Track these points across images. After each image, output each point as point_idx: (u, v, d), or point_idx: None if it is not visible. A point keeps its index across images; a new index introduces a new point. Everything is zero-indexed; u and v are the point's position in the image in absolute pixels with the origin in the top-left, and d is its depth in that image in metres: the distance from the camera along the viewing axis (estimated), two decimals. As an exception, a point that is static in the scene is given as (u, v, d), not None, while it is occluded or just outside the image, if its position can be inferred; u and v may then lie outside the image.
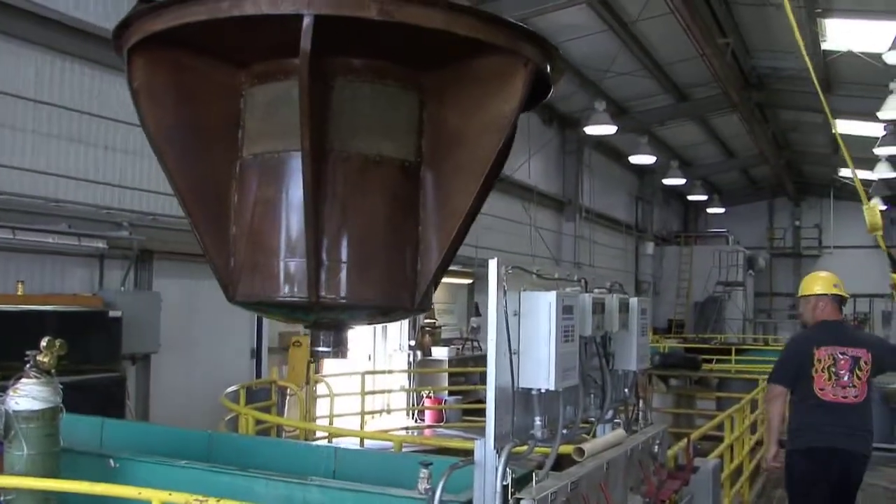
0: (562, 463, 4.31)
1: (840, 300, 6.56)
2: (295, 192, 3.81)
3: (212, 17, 3.61)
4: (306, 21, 3.44)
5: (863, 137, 25.60)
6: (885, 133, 23.16)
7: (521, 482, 4.13)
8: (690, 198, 36.20)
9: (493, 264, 3.59)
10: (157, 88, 3.95)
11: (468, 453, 3.74)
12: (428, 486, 3.84)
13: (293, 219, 3.99)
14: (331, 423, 12.60)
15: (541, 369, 3.70)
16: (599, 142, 25.75)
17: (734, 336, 30.97)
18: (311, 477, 4.76)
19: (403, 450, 7.41)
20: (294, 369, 14.28)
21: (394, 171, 3.90)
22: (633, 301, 4.91)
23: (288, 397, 13.28)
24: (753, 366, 15.53)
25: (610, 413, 5.01)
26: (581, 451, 4.22)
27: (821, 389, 6.14)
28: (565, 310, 3.78)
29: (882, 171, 27.11)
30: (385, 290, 4.09)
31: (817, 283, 6.61)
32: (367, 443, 10.17)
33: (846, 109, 23.71)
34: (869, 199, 27.15)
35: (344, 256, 3.97)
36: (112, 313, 10.44)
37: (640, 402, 5.38)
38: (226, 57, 4.03)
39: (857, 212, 30.94)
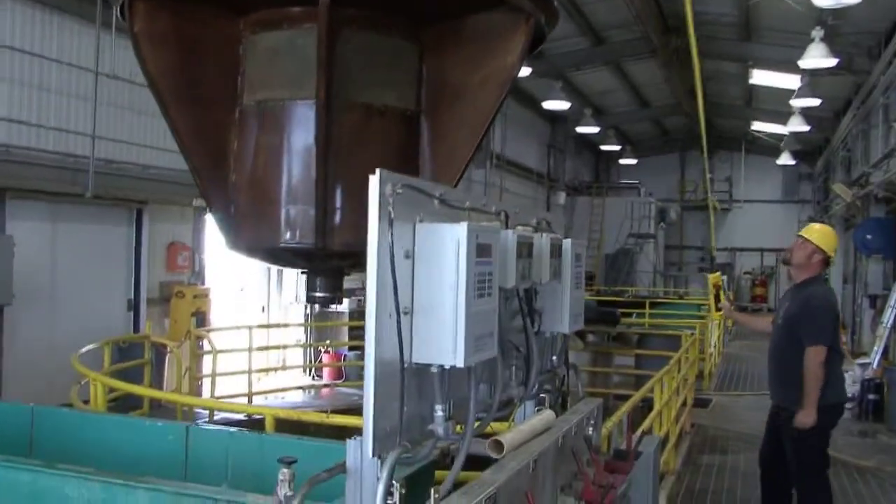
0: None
1: (827, 263, 6.47)
2: (298, 139, 3.75)
3: None
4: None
5: (779, 89, 25.11)
6: (801, 84, 22.57)
7: (417, 482, 3.02)
8: (603, 148, 35.49)
9: (373, 181, 2.40)
10: (157, 34, 3.86)
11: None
12: (290, 493, 2.77)
13: (296, 166, 3.97)
14: (213, 383, 11.29)
15: (444, 337, 2.55)
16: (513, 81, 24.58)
17: (645, 289, 30.52)
18: (144, 477, 3.56)
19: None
20: (177, 323, 12.94)
21: (395, 120, 3.88)
22: (567, 243, 3.77)
23: (168, 355, 11.90)
24: (672, 321, 14.74)
25: (535, 389, 3.91)
26: (499, 446, 3.09)
27: (841, 344, 6.36)
28: (481, 250, 2.62)
29: (794, 125, 26.66)
30: None
31: (827, 236, 6.41)
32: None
33: (767, 57, 23.09)
34: (779, 153, 26.62)
35: (347, 204, 3.94)
36: (-54, 258, 8.91)
37: (572, 371, 4.29)
38: (225, 4, 3.92)
39: (769, 166, 30.92)
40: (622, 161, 37.95)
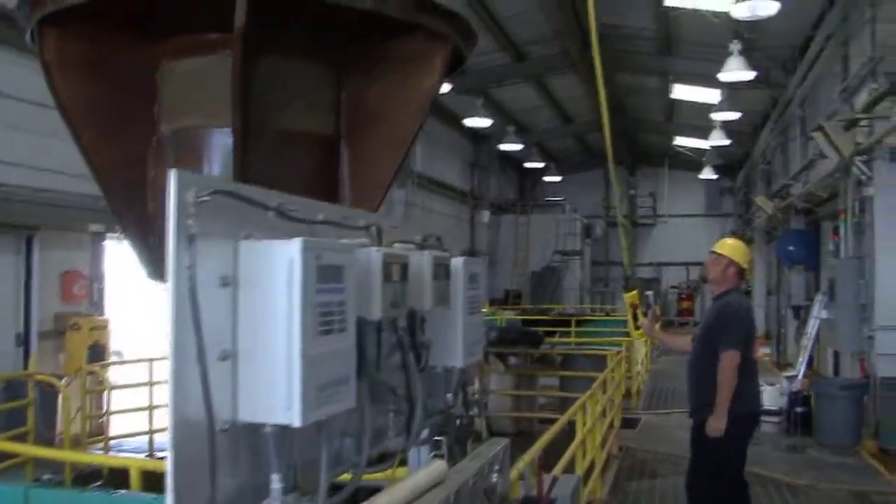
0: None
1: (742, 274, 6.61)
2: (216, 168, 3.55)
3: None
4: (240, -1, 3.09)
5: (700, 104, 25.16)
6: (721, 98, 22.63)
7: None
8: (527, 165, 35.29)
9: (170, 185, 1.82)
10: (70, 61, 3.68)
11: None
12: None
13: (214, 195, 3.48)
14: (107, 422, 10.46)
15: (275, 387, 1.96)
16: (433, 102, 24.12)
17: (572, 306, 30.23)
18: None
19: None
20: (72, 357, 12.04)
21: (314, 146, 3.75)
22: (458, 263, 3.22)
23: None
24: (598, 338, 14.30)
25: (422, 435, 3.34)
26: (369, 512, 2.50)
27: (755, 354, 6.46)
28: (326, 274, 2.05)
29: (715, 139, 26.83)
30: None
31: (738, 249, 6.56)
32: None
33: (687, 72, 23.08)
34: (701, 167, 26.98)
35: (266, 231, 3.54)
36: None
37: (473, 408, 3.73)
38: (142, 29, 3.72)
39: (691, 181, 31.16)
40: (546, 178, 37.80)
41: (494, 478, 3.52)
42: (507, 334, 13.00)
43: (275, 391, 1.95)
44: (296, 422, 1.94)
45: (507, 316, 20.84)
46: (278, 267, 1.96)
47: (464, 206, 30.48)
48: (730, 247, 6.55)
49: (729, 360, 6.04)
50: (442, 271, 2.99)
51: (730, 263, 6.38)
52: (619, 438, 10.94)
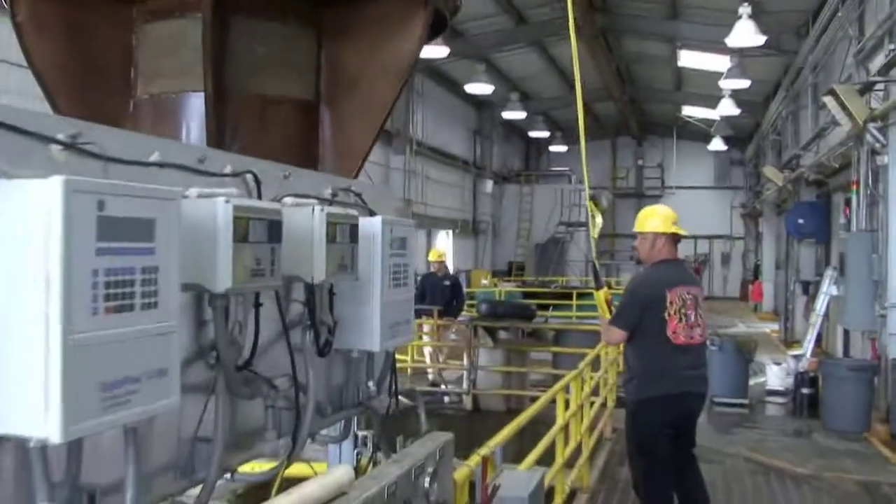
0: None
1: (677, 238, 6.27)
2: (193, 132, 3.42)
3: None
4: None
5: (709, 72, 24.41)
6: (731, 65, 21.86)
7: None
8: (532, 134, 34.57)
9: None
10: (44, 23, 3.58)
11: None
12: None
13: (192, 159, 3.45)
14: None
15: (29, 388, 1.38)
16: (432, 68, 23.44)
17: (576, 279, 29.63)
18: None
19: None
20: None
21: (292, 111, 3.66)
22: (373, 224, 2.64)
23: None
24: (596, 312, 13.68)
25: (336, 428, 2.78)
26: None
27: (673, 332, 5.93)
28: (117, 228, 1.47)
29: (725, 109, 26.07)
30: None
31: (655, 219, 6.22)
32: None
33: (695, 37, 22.32)
34: (710, 138, 26.01)
35: (243, 196, 3.48)
36: None
37: (412, 399, 3.18)
38: None
39: (700, 151, 30.21)
40: (552, 148, 37.08)
41: (427, 482, 2.97)
42: (497, 309, 12.41)
43: (27, 393, 1.38)
44: (55, 436, 1.37)
45: (507, 288, 20.27)
46: (33, 216, 1.38)
47: (466, 175, 29.83)
48: (647, 220, 6.21)
49: (611, 333, 6.12)
50: (344, 233, 2.41)
51: (655, 237, 6.12)
52: (614, 419, 10.37)
